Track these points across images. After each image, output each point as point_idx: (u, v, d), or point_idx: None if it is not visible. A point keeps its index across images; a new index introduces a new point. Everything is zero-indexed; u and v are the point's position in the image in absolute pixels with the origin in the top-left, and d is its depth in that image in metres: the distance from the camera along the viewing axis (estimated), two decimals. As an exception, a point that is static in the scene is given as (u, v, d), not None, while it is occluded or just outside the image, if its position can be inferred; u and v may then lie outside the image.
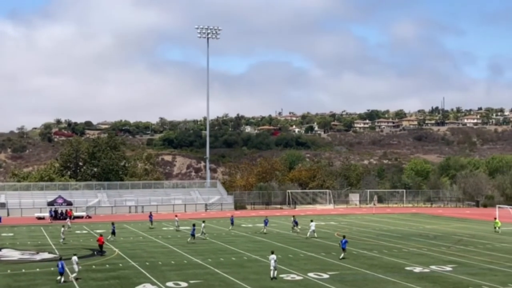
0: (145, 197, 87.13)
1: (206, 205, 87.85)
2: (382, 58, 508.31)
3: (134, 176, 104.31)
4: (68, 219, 63.41)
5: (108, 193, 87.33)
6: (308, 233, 50.97)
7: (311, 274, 33.09)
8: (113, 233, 50.26)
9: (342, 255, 39.08)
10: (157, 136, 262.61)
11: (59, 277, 31.13)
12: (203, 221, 53.18)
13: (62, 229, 49.68)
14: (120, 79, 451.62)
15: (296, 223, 55.94)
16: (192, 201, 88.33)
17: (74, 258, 32.90)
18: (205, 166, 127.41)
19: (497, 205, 66.25)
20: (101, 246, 42.36)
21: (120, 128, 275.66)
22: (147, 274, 33.61)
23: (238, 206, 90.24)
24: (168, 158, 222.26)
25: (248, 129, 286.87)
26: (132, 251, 43.20)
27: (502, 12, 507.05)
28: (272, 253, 33.16)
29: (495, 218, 56.54)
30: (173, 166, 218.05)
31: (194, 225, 49.91)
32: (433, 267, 35.66)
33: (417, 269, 34.89)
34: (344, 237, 41.63)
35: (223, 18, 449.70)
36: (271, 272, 32.09)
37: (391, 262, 37.67)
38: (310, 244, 46.58)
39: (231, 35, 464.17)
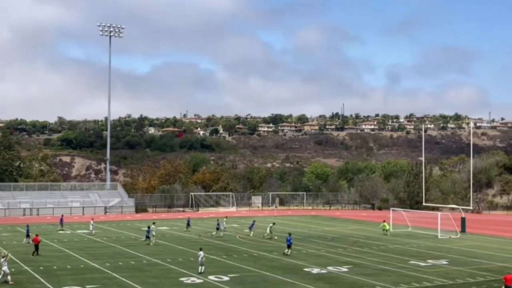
0: (41, 199, 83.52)
1: (105, 208, 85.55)
2: (287, 64, 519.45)
3: (30, 177, 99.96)
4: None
5: (0, 195, 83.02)
6: (267, 233, 52.73)
7: (211, 277, 33.04)
8: (28, 235, 48.50)
9: (287, 251, 41.95)
10: (55, 136, 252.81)
11: None
12: (225, 218, 52.49)
13: None
14: (17, 76, 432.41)
15: (218, 227, 55.50)
16: (91, 204, 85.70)
17: None
18: (105, 168, 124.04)
19: (391, 208, 69.19)
20: (36, 246, 41.71)
21: (16, 127, 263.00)
22: (41, 279, 32.21)
23: (140, 209, 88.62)
24: (66, 159, 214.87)
25: (151, 130, 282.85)
26: (26, 255, 41.25)
27: (400, 25, 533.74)
28: (200, 249, 35.47)
29: (384, 221, 58.48)
30: (71, 168, 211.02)
31: (149, 227, 49.28)
32: (330, 268, 36.68)
33: (315, 270, 35.75)
34: (289, 234, 43.70)
35: (127, 16, 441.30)
36: (199, 268, 34.07)
37: (290, 264, 38.38)
38: (212, 246, 46.54)
39: (136, 34, 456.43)
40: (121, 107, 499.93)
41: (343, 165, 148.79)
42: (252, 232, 55.56)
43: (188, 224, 60.18)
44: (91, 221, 57.63)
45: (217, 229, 55.28)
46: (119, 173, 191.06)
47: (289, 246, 42.21)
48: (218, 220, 57.72)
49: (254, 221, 59.79)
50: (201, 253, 34.76)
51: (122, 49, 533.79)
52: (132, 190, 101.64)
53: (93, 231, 55.91)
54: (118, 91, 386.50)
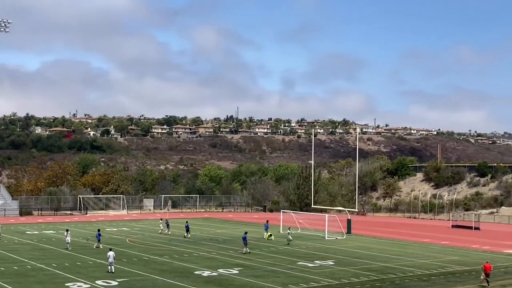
0: None
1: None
2: (184, 65, 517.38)
3: None
4: None
5: None
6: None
7: (99, 282, 32.17)
8: None
9: (245, 249, 44.62)
10: None
11: None
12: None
13: None
14: None
15: (187, 229, 56.62)
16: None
17: None
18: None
19: (282, 210, 70.72)
20: None
21: None
22: None
23: (24, 212, 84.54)
24: None
25: (38, 130, 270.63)
26: None
27: (294, 31, 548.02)
28: (110, 250, 36.24)
29: (270, 235, 57.52)
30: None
31: (99, 230, 49.12)
32: (221, 270, 36.90)
33: (206, 273, 35.82)
34: (246, 233, 46.24)
35: (15, 10, 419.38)
36: (108, 267, 34.91)
37: (181, 267, 38.19)
38: (100, 250, 45.27)
39: (25, 30, 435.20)
40: (7, 105, 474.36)
41: (237, 167, 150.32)
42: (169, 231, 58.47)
43: (168, 226, 59.68)
44: None
45: (168, 226, 59.22)
46: (3, 174, 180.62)
47: (245, 244, 45.14)
48: (161, 220, 61.76)
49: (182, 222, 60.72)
50: (111, 253, 35.44)
51: (9, 44, 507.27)
52: (16, 192, 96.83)
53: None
54: (4, 88, 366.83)
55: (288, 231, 53.50)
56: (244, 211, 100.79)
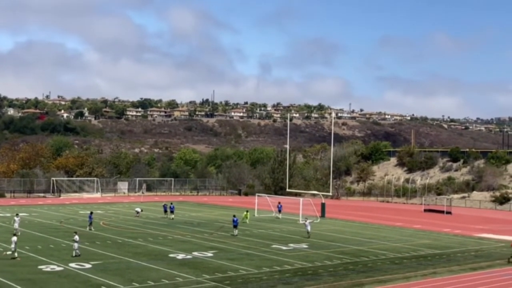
0: None
1: (-43, 193, 79.57)
2: (160, 47, 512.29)
3: None
4: None
5: None
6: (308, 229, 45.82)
7: (72, 264, 31.99)
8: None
9: (235, 232, 45.57)
10: None
11: None
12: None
13: None
14: None
15: (171, 210, 58.08)
16: None
17: None
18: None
19: (257, 194, 70.97)
20: None
21: None
22: None
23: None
24: None
25: (11, 111, 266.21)
26: None
27: (271, 16, 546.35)
28: (75, 233, 35.94)
29: (247, 211, 57.69)
30: None
31: (91, 213, 49.90)
32: (195, 253, 36.95)
33: (180, 256, 35.84)
34: (234, 216, 47.32)
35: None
36: (73, 252, 34.74)
37: (155, 250, 38.14)
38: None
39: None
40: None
41: (212, 151, 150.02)
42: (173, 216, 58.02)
43: (165, 211, 59.42)
44: None
45: (165, 211, 59.11)
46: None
47: (235, 227, 45.96)
48: (165, 204, 61.14)
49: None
50: (76, 237, 35.36)
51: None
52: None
53: None
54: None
55: (306, 221, 47.46)
56: (219, 195, 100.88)
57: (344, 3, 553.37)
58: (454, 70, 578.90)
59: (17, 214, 46.78)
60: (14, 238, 34.75)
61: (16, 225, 44.21)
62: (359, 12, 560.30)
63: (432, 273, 32.14)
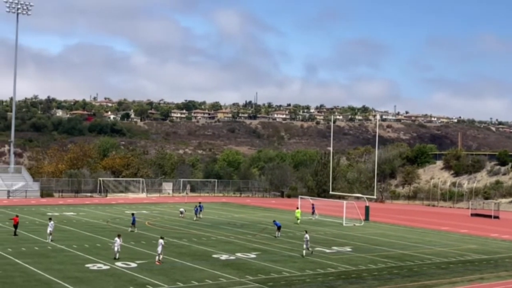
0: None
1: (8, 191, 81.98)
2: (206, 50, 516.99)
3: None
4: None
5: None
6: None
7: (118, 263, 32.60)
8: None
9: (278, 234, 45.80)
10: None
11: None
12: None
13: None
14: None
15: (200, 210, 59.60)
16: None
17: None
18: (9, 150, 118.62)
19: (300, 196, 70.79)
20: (15, 226, 43.29)
21: None
22: None
23: (45, 193, 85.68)
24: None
25: (59, 113, 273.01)
26: None
27: (317, 17, 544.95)
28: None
29: (297, 208, 59.53)
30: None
31: (133, 214, 49.88)
32: (238, 254, 37.14)
33: (224, 257, 36.08)
34: (274, 220, 47.99)
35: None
36: (116, 255, 34.00)
37: (199, 250, 38.51)
38: (120, 233, 45.74)
39: (49, 12, 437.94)
40: (29, 88, 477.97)
41: (255, 153, 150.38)
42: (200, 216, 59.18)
43: (196, 212, 59.62)
44: None
45: (196, 213, 59.32)
46: (24, 156, 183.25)
47: (279, 228, 46.24)
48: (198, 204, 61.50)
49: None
50: (161, 241, 33.72)
51: (33, 27, 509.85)
52: (37, 174, 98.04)
53: None
54: (28, 71, 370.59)
55: (306, 233, 39.59)
56: (262, 197, 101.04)
57: (389, 3, 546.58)
58: (502, 71, 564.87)
59: (50, 219, 43.50)
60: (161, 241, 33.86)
61: (49, 230, 41.16)
62: (405, 11, 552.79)
63: (479, 279, 31.46)
